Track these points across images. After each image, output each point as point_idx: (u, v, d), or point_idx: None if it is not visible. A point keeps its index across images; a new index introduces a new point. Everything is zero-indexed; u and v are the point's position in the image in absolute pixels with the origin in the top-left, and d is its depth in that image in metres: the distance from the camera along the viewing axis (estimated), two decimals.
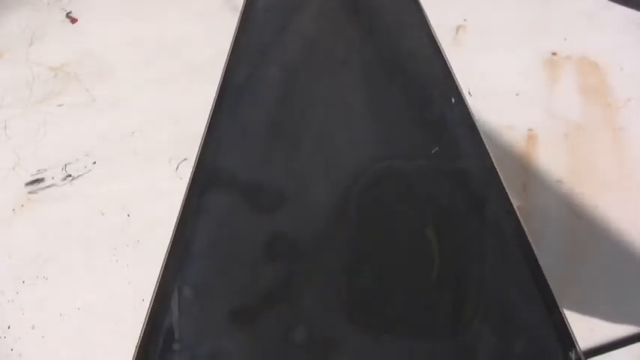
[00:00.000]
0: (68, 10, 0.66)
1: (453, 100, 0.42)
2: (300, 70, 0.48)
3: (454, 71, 0.43)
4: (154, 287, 0.32)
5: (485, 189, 0.37)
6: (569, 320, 0.32)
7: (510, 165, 0.45)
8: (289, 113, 0.44)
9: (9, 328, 0.42)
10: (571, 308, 0.36)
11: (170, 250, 0.35)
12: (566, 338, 0.30)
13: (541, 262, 0.33)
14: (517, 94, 0.51)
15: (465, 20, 0.58)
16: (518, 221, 0.34)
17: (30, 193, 0.50)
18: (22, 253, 0.46)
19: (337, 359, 0.32)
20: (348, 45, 0.49)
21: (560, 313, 0.31)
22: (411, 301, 0.33)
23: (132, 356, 0.30)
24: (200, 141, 0.40)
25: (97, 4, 0.67)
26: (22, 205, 0.49)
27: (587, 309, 0.36)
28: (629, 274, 0.38)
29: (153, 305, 0.33)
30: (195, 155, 0.40)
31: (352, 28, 0.52)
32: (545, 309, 0.32)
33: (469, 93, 0.51)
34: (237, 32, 0.52)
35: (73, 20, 0.65)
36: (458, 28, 0.57)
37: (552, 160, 0.45)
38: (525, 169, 0.45)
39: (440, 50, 0.46)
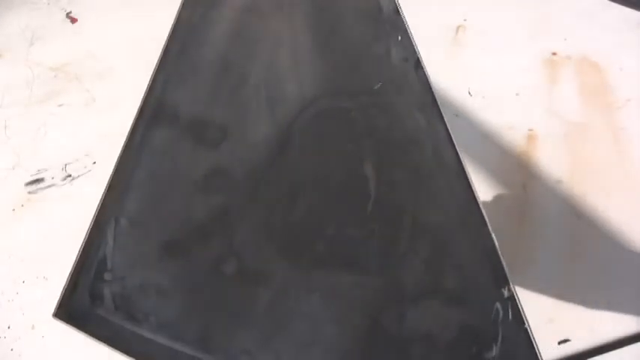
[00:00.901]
0: (68, 10, 0.66)
1: (399, 37, 0.42)
2: (251, 11, 0.48)
3: (410, 30, 0.42)
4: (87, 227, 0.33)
5: (426, 123, 0.36)
6: (568, 320, 0.32)
7: (510, 165, 0.45)
8: (237, 52, 0.44)
9: (9, 328, 0.42)
10: (571, 308, 0.36)
11: (111, 182, 0.35)
12: (499, 275, 0.30)
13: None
14: (517, 94, 0.51)
15: (465, 20, 0.58)
16: (457, 155, 0.34)
17: (30, 193, 0.50)
18: (22, 253, 0.46)
19: (266, 293, 0.32)
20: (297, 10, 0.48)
21: (495, 248, 0.31)
22: (344, 235, 0.33)
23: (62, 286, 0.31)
24: (150, 77, 0.41)
25: (97, 4, 0.67)
26: (22, 205, 0.49)
27: (587, 309, 0.36)
28: (629, 274, 0.38)
29: (88, 236, 0.33)
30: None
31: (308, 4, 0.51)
32: (480, 245, 0.32)
33: (469, 93, 0.51)
34: (178, 19, 0.52)
35: (73, 20, 0.65)
36: (458, 28, 0.57)
37: (552, 160, 0.45)
38: (525, 169, 0.45)
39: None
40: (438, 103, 0.37)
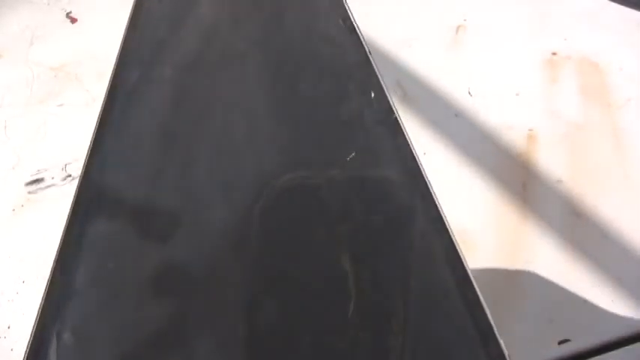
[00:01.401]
0: (68, 10, 0.66)
1: (372, 94, 0.36)
2: (197, 70, 0.42)
3: (377, 68, 0.36)
4: (29, 335, 0.27)
5: (412, 201, 0.30)
6: (568, 320, 0.32)
7: (510, 165, 0.45)
8: (184, 121, 0.38)
9: (9, 328, 0.42)
10: (571, 308, 0.36)
11: (47, 291, 0.29)
12: None
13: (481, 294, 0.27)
14: (517, 94, 0.51)
15: (464, 20, 0.58)
16: (452, 241, 0.28)
17: (30, 193, 0.50)
18: (22, 253, 0.46)
19: None
20: (251, 38, 0.43)
21: (501, 350, 0.24)
22: (323, 343, 0.27)
23: None
24: (85, 157, 0.35)
25: (97, 4, 0.67)
26: (22, 205, 0.49)
27: (587, 309, 0.36)
28: (629, 274, 0.38)
29: (28, 355, 0.27)
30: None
31: (256, 17, 0.45)
32: (487, 355, 0.25)
33: (469, 93, 0.51)
34: (128, 28, 0.46)
35: (73, 20, 0.65)
36: (458, 28, 0.57)
37: (552, 160, 0.45)
38: (525, 169, 0.45)
39: (358, 36, 0.40)
40: (415, 154, 0.32)
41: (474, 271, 0.35)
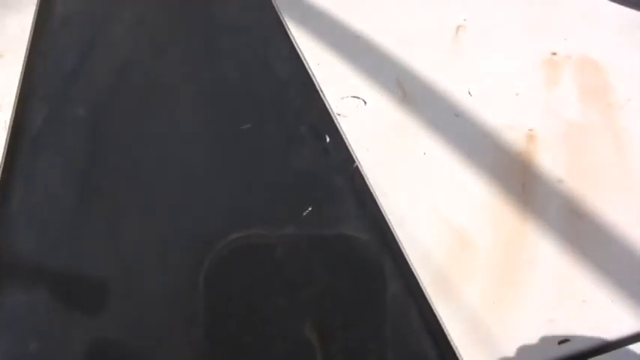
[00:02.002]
0: None
1: (327, 138, 0.31)
2: (117, 108, 0.34)
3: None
4: None
5: (380, 259, 0.27)
6: (568, 320, 0.32)
7: (510, 165, 0.45)
8: (107, 170, 0.31)
9: None
10: (571, 308, 0.36)
11: None
12: None
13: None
14: (517, 94, 0.51)
15: (464, 20, 0.58)
16: (429, 306, 0.25)
17: None
18: None
19: None
20: (180, 68, 0.35)
21: None
22: None
23: None
24: None
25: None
26: None
27: (587, 309, 0.36)
28: (629, 274, 0.38)
29: None
30: None
31: (185, 45, 0.37)
32: None
33: (469, 93, 0.51)
34: (28, 58, 0.37)
35: None
36: (458, 28, 0.57)
37: (552, 160, 0.45)
38: (525, 169, 0.44)
39: (306, 68, 0.34)
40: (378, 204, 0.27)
41: (474, 271, 0.35)
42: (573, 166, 0.45)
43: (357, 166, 0.30)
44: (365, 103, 0.46)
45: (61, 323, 0.26)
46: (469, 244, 0.39)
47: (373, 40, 0.52)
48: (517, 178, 0.44)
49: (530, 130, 0.47)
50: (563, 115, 0.49)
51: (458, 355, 0.24)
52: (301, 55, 0.34)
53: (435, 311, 0.25)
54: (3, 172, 0.30)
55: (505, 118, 0.48)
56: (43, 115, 0.34)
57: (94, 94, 0.35)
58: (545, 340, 0.34)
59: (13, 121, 0.33)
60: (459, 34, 0.57)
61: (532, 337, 0.34)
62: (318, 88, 0.29)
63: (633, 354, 0.33)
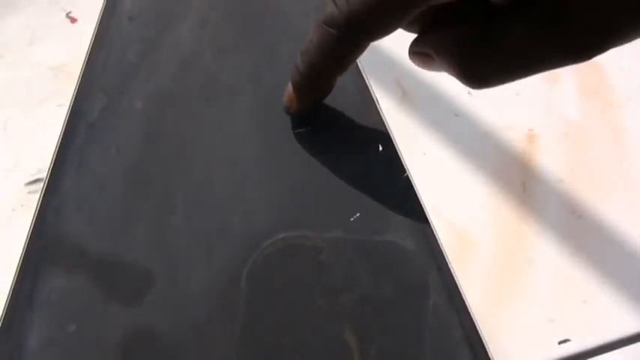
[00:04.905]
0: (68, 10, 0.66)
1: (380, 147, 0.32)
2: (175, 104, 0.35)
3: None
4: None
5: (425, 270, 0.27)
6: (568, 320, 0.32)
7: (510, 165, 0.45)
8: (159, 164, 0.32)
9: None
10: (571, 308, 0.36)
11: None
12: None
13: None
14: (517, 94, 0.51)
15: None
16: (472, 320, 0.26)
17: (30, 193, 0.50)
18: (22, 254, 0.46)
19: None
20: (240, 70, 0.37)
21: None
22: None
23: None
24: (37, 200, 0.29)
25: (97, 5, 0.66)
26: (22, 205, 0.49)
27: (587, 309, 0.36)
28: (629, 274, 0.38)
29: None
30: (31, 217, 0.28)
31: (246, 48, 0.38)
32: None
33: (469, 93, 0.51)
34: (91, 49, 0.40)
35: (73, 20, 0.65)
36: None
37: (552, 160, 0.45)
38: (525, 169, 0.44)
39: (364, 80, 0.35)
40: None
41: (473, 270, 0.35)
42: (573, 166, 0.45)
43: (407, 176, 0.31)
44: None
45: (101, 309, 0.27)
46: (469, 244, 0.39)
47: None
48: (517, 178, 0.44)
49: (530, 130, 0.47)
50: (564, 115, 0.49)
51: None
52: (360, 64, 0.35)
53: (475, 323, 0.25)
54: (57, 156, 0.32)
55: (505, 118, 0.48)
56: (102, 104, 0.35)
57: (153, 89, 0.36)
58: (545, 340, 0.34)
59: (72, 108, 0.34)
60: None
61: (532, 337, 0.34)
62: (374, 97, 0.30)
63: (633, 354, 0.33)
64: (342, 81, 0.34)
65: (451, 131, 0.47)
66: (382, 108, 0.33)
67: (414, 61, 0.30)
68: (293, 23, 0.41)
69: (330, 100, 0.34)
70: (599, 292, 0.36)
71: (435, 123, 0.48)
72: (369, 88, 0.34)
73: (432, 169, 0.45)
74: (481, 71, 0.24)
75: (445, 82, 0.51)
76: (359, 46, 0.27)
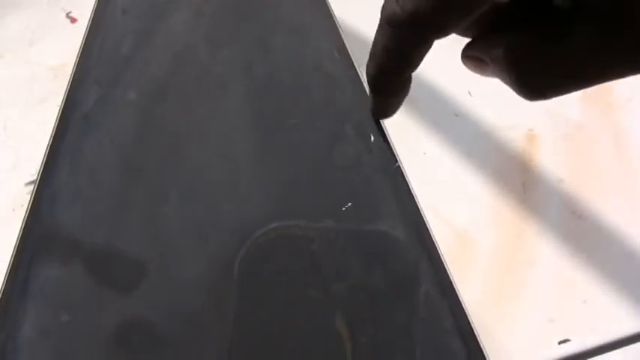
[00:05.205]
0: (68, 10, 0.66)
1: (371, 137, 0.32)
2: (167, 96, 0.35)
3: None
4: None
5: (415, 260, 0.27)
6: (568, 320, 0.32)
7: (510, 165, 0.45)
8: (152, 154, 0.32)
9: None
10: (571, 308, 0.36)
11: None
12: None
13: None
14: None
15: None
16: (461, 307, 0.25)
17: (30, 193, 0.50)
18: None
19: None
20: (233, 62, 0.37)
21: None
22: None
23: None
24: (31, 192, 0.31)
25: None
26: (22, 205, 0.49)
27: (587, 309, 0.36)
28: (630, 274, 0.38)
29: None
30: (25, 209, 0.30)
31: (240, 39, 0.39)
32: None
33: (469, 93, 0.51)
34: (85, 41, 0.41)
35: (73, 20, 0.65)
36: None
37: (552, 160, 0.45)
38: (525, 169, 0.44)
39: (356, 71, 0.36)
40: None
41: (473, 270, 0.35)
42: (574, 166, 0.45)
43: (398, 166, 0.30)
44: None
45: (94, 299, 0.27)
46: (469, 244, 0.39)
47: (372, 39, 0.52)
48: (517, 178, 0.44)
49: (530, 130, 0.47)
50: (564, 115, 0.49)
51: (486, 356, 0.24)
52: (352, 55, 0.35)
53: (466, 312, 0.25)
54: (51, 147, 0.32)
55: (505, 118, 0.48)
56: (96, 96, 0.35)
57: (147, 81, 0.36)
58: (545, 340, 0.34)
59: (66, 99, 0.34)
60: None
61: (532, 337, 0.34)
62: (367, 88, 0.31)
63: (633, 354, 0.33)
64: (336, 74, 0.35)
65: (451, 131, 0.47)
66: None
67: (466, 65, 0.29)
68: (287, 15, 0.41)
69: (324, 93, 0.34)
70: (599, 292, 0.36)
71: (435, 123, 0.48)
72: (363, 82, 0.34)
73: (431, 169, 0.45)
74: (537, 83, 0.23)
75: (445, 82, 0.51)
76: (427, 41, 0.27)
